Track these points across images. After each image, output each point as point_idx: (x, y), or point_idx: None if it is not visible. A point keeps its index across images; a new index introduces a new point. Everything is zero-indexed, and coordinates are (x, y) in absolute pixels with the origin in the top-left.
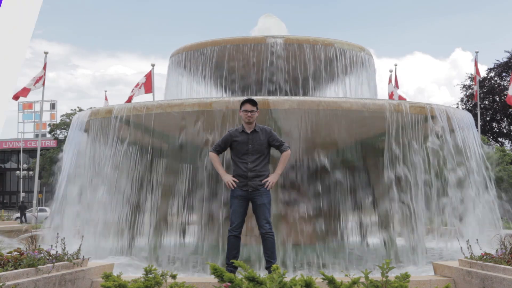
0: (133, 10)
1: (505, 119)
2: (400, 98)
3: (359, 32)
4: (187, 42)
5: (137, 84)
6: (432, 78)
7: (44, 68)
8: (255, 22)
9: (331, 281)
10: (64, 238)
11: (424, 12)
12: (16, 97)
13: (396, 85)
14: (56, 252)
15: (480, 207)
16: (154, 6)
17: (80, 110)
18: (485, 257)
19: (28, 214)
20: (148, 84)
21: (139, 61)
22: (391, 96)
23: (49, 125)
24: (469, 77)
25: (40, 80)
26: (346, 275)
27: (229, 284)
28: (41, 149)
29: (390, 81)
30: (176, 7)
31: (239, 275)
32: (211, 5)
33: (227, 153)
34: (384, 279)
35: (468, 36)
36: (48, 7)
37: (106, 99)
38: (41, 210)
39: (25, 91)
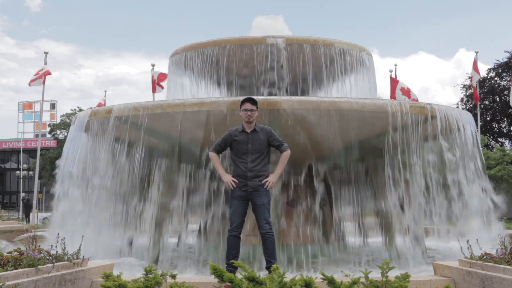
0: (140, 9)
1: (505, 119)
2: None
3: (363, 31)
4: (188, 42)
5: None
6: (436, 77)
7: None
8: (259, 22)
9: (331, 281)
10: (64, 238)
11: (429, 12)
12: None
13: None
14: (56, 252)
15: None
16: (161, 5)
17: (80, 110)
18: (485, 257)
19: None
20: (154, 84)
21: (143, 61)
22: (407, 92)
23: (49, 125)
24: (469, 77)
25: (44, 75)
26: (346, 275)
27: (229, 284)
28: (41, 149)
29: (394, 80)
30: (182, 7)
31: (239, 275)
32: (218, 5)
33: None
34: (384, 279)
35: (472, 36)
36: (56, 7)
37: (104, 98)
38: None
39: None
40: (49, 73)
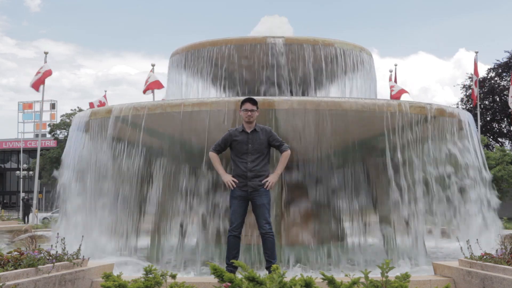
0: (140, 9)
1: (505, 119)
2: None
3: (364, 31)
4: (188, 42)
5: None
6: (436, 78)
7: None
8: (258, 22)
9: (331, 281)
10: (64, 238)
11: (429, 12)
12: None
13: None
14: (56, 252)
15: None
16: (161, 5)
17: (80, 110)
18: (485, 257)
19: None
20: (156, 84)
21: (143, 61)
22: (392, 91)
23: (49, 125)
24: (469, 77)
25: (45, 76)
26: (346, 275)
27: (229, 284)
28: (41, 149)
29: (390, 79)
30: (182, 7)
31: (239, 275)
32: (219, 5)
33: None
34: (384, 279)
35: (472, 36)
36: (56, 7)
37: (100, 100)
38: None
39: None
40: (50, 73)
